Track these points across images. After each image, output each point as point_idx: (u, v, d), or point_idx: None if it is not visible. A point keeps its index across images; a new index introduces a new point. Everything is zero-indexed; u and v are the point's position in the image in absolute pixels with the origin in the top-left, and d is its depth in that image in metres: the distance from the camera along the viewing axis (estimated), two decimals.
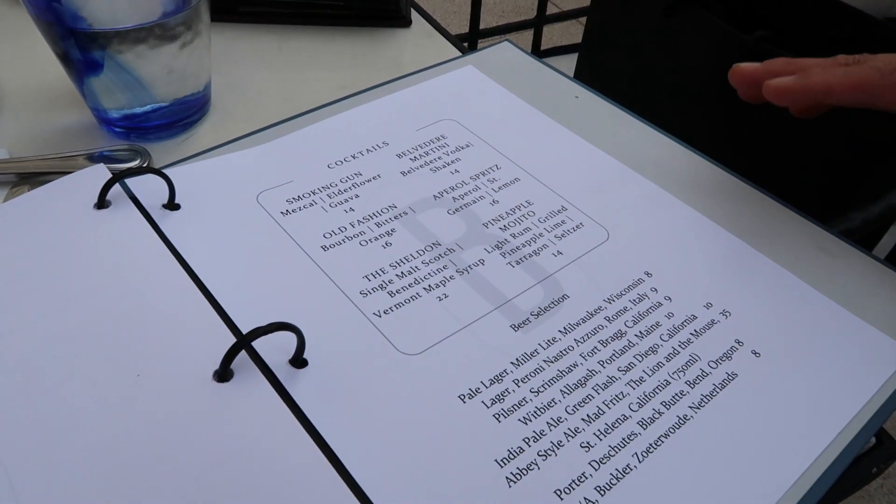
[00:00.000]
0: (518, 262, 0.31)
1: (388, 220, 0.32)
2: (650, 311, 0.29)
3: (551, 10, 0.81)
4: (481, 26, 0.82)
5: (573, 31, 1.06)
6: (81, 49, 0.32)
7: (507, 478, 0.23)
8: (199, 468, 0.21)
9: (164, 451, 0.21)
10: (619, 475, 0.23)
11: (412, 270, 0.30)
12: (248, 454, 0.21)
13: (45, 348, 0.24)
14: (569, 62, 0.76)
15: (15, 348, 0.24)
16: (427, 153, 0.36)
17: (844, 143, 0.48)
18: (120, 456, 0.21)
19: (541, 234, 0.32)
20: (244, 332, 0.23)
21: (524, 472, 0.23)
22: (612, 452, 0.24)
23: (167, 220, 0.30)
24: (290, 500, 0.20)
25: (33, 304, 0.25)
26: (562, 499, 0.23)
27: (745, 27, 0.50)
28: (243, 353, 0.23)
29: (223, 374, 0.23)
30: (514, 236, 0.32)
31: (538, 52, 0.85)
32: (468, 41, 0.80)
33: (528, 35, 0.86)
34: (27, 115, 0.38)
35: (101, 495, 0.20)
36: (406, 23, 0.48)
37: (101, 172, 0.30)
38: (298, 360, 0.25)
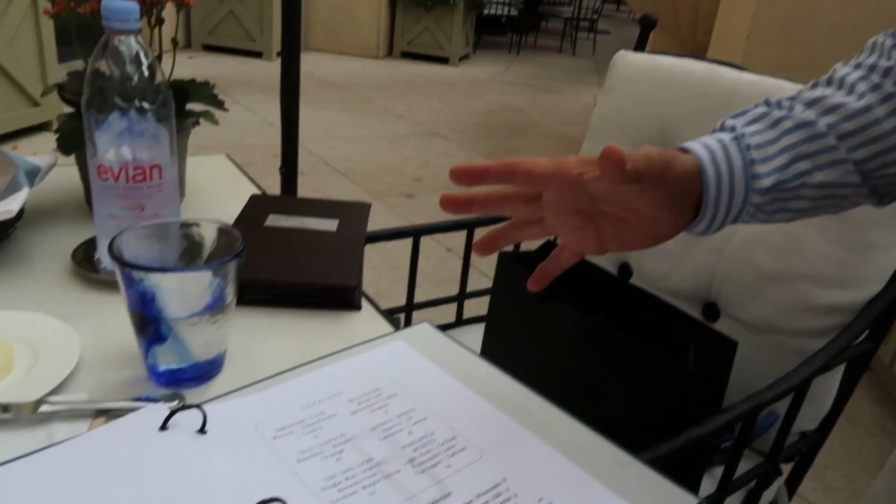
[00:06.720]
0: (422, 472, 0.48)
1: (341, 444, 0.50)
2: (504, 501, 0.46)
3: (473, 286, 1.07)
4: (417, 295, 1.07)
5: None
6: (156, 328, 0.51)
7: None
8: None
9: None
10: None
11: (354, 476, 0.47)
12: None
13: None
14: (481, 329, 0.99)
15: None
16: (368, 399, 0.55)
17: (657, 395, 0.69)
18: None
19: (438, 454, 0.50)
20: None
21: None
22: None
23: (202, 440, 0.47)
24: None
25: (130, 490, 0.41)
26: None
27: (589, 312, 0.74)
28: None
29: None
30: (420, 455, 0.50)
31: (460, 320, 1.10)
32: (405, 311, 1.05)
33: (452, 307, 1.11)
34: (98, 370, 0.56)
35: None
36: (357, 307, 0.70)
37: (161, 408, 0.47)
38: None
